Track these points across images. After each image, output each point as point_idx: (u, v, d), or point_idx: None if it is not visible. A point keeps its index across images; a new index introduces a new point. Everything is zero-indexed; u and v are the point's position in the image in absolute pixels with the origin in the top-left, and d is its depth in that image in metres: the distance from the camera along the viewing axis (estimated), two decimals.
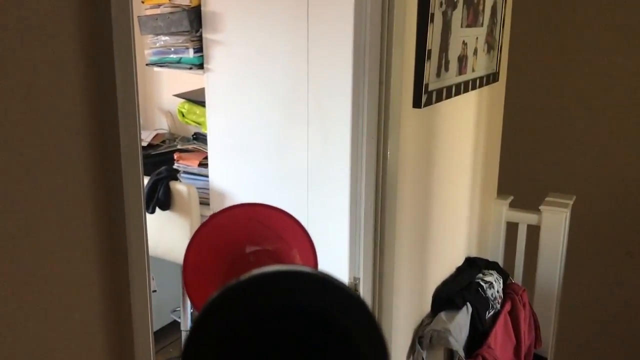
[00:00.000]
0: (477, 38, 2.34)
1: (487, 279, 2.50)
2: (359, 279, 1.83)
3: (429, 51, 1.92)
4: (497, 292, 2.50)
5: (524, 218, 2.86)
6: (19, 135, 0.84)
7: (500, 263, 2.87)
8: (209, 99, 2.43)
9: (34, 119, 0.86)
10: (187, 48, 2.44)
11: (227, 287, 0.51)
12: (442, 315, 2.23)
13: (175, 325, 3.22)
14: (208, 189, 2.55)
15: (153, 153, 2.90)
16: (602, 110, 3.16)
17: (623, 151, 3.15)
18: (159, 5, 2.49)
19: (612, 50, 3.09)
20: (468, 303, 2.30)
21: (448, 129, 2.31)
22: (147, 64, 2.61)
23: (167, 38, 2.48)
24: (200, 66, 2.42)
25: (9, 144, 0.83)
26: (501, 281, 2.57)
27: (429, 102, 2.00)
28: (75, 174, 0.92)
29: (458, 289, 2.36)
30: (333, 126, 2.12)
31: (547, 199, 2.84)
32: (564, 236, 2.81)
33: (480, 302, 2.36)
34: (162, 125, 3.15)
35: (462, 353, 2.16)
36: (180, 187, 2.52)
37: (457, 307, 2.26)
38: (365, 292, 1.88)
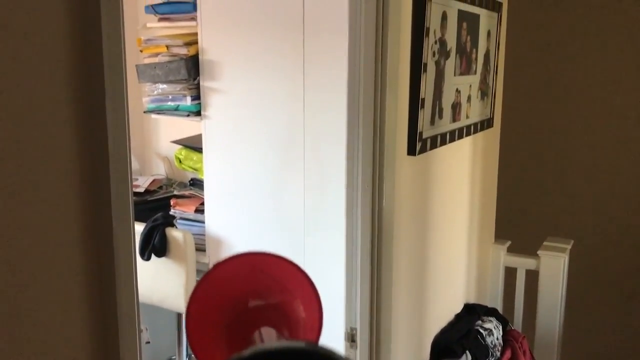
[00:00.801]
0: (470, 85, 2.37)
1: (487, 326, 2.46)
2: (356, 328, 1.81)
3: (423, 100, 1.94)
4: (497, 339, 2.46)
5: (523, 263, 2.84)
6: (10, 189, 0.84)
7: (500, 309, 2.83)
8: (205, 146, 2.45)
9: (23, 171, 0.86)
10: (185, 95, 2.47)
11: None
12: None
13: None
14: (204, 235, 2.53)
15: (150, 199, 2.90)
16: (599, 154, 3.18)
17: (621, 194, 3.15)
18: (157, 54, 2.53)
19: (608, 93, 3.13)
20: (467, 351, 2.26)
21: (443, 175, 2.31)
22: (145, 111, 2.64)
23: (165, 86, 2.51)
24: (198, 113, 2.45)
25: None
26: (500, 328, 2.54)
27: (423, 150, 2.01)
28: (64, 228, 0.92)
29: (457, 337, 2.32)
30: (329, 172, 2.12)
31: (545, 243, 2.83)
32: (563, 281, 2.78)
33: (480, 350, 2.32)
34: (160, 171, 3.16)
35: None
36: (176, 234, 2.50)
37: (457, 356, 2.22)
38: (362, 342, 1.85)
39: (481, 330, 2.41)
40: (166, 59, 2.49)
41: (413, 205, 2.09)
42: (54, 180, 0.90)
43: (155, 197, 2.92)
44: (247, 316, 0.94)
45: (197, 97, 2.44)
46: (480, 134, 2.62)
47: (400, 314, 2.04)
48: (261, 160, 2.30)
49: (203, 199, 2.55)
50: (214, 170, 2.45)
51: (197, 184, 2.76)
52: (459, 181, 2.50)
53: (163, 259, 2.53)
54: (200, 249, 2.55)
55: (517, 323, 2.82)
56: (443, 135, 2.16)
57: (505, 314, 2.76)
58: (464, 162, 2.54)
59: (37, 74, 0.87)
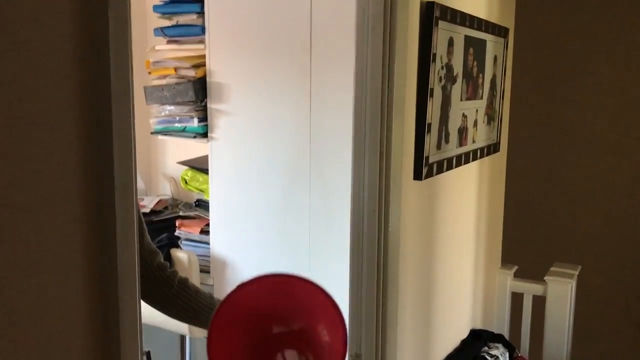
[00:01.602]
0: (477, 110, 2.38)
1: (493, 352, 2.43)
2: (361, 355, 1.78)
3: (429, 124, 1.94)
4: None
5: (529, 289, 2.82)
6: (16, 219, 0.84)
7: (506, 335, 2.80)
8: (212, 167, 2.45)
9: (28, 197, 0.86)
10: (192, 117, 2.48)
11: None
12: None
13: None
14: (209, 256, 2.53)
15: (155, 219, 2.89)
16: (606, 179, 3.16)
17: (629, 220, 3.13)
18: (165, 76, 2.55)
19: (616, 118, 3.13)
20: None
21: (449, 200, 2.30)
22: (152, 133, 2.65)
23: (172, 107, 2.53)
24: (205, 135, 2.46)
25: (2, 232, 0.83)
26: (507, 355, 2.50)
27: (429, 174, 2.00)
28: (68, 249, 0.92)
29: None
30: (335, 195, 2.12)
31: (552, 269, 2.80)
32: (571, 307, 2.75)
33: None
34: (166, 191, 3.17)
35: None
36: (180, 255, 2.50)
37: None
38: None
39: (487, 357, 2.38)
40: (174, 81, 2.51)
41: (419, 230, 2.08)
42: (59, 201, 0.90)
43: (160, 218, 2.91)
44: (271, 339, 0.92)
45: (204, 118, 2.45)
46: (486, 159, 2.62)
47: (405, 339, 2.02)
48: (267, 183, 2.30)
49: (208, 220, 2.55)
50: (220, 191, 2.45)
51: (202, 205, 2.76)
52: (465, 206, 2.49)
53: None
54: (205, 270, 2.54)
55: (524, 349, 2.78)
56: (449, 160, 2.15)
57: (512, 340, 2.72)
58: (471, 187, 2.53)
59: (44, 95, 0.87)
